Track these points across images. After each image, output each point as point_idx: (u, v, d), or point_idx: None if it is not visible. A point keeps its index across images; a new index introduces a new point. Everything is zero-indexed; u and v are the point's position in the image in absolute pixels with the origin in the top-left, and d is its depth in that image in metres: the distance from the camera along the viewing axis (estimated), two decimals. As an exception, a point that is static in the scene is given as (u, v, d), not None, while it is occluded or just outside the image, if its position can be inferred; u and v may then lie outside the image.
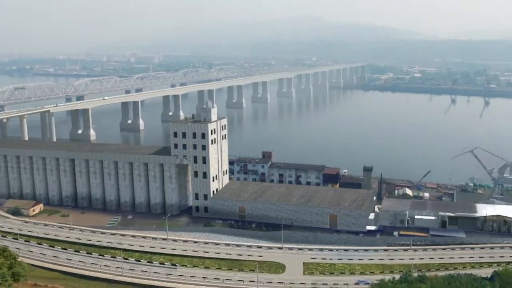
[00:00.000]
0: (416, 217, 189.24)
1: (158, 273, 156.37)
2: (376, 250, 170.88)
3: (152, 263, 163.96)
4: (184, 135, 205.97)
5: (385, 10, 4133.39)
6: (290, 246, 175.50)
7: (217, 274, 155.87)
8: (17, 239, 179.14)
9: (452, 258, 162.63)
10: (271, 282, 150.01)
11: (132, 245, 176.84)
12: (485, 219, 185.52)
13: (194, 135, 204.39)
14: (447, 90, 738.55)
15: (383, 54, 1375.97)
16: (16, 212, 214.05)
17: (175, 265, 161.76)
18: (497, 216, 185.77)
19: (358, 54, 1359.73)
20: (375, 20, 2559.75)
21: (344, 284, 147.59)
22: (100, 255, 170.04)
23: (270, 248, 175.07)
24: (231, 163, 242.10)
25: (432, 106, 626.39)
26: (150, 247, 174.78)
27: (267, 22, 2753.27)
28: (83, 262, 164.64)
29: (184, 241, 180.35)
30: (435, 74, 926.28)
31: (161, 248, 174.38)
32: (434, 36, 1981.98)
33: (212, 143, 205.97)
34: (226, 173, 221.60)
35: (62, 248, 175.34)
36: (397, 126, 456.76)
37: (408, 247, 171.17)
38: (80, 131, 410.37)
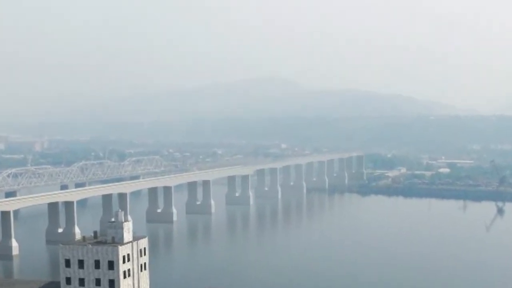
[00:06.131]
0: None
1: None
2: None
3: None
4: (81, 263, 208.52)
5: (392, 70, 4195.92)
6: None
7: None
8: None
9: None
10: None
11: None
12: None
13: (97, 264, 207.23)
14: (491, 194, 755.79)
15: (391, 137, 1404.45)
16: None
17: None
18: None
19: (352, 138, 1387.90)
20: (378, 85, 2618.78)
21: None
22: None
23: None
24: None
25: (468, 218, 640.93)
26: None
27: (211, 88, 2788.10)
28: None
29: None
30: (471, 169, 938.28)
31: None
32: (469, 110, 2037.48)
33: (125, 277, 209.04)
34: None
35: None
36: (412, 249, 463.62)
37: None
38: None
